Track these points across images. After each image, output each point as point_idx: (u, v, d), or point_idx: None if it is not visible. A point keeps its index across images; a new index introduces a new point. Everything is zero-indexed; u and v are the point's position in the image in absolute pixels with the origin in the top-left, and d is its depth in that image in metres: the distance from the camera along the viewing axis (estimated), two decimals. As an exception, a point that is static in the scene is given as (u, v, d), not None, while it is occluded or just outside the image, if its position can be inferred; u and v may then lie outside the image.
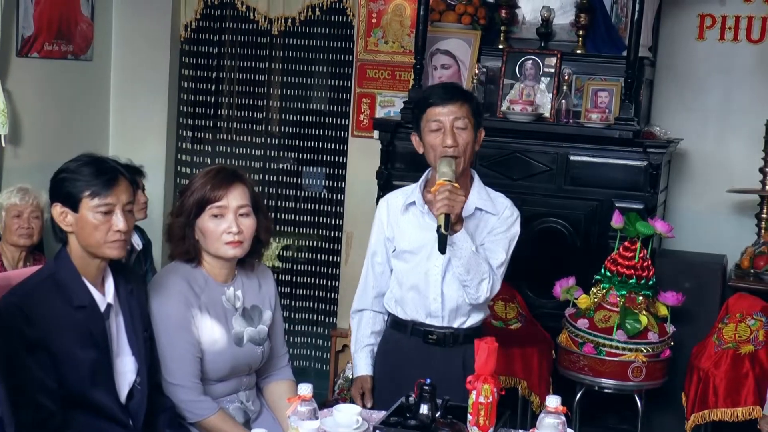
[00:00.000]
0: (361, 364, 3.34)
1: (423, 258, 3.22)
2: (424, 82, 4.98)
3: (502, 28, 5.12)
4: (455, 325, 3.26)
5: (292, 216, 6.15)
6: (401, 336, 3.30)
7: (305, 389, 2.58)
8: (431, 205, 3.07)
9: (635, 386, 4.12)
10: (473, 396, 2.71)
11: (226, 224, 2.94)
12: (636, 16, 4.56)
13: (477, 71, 4.89)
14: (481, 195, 3.26)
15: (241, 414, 3.05)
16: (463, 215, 3.05)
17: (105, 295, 2.75)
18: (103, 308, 2.72)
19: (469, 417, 2.71)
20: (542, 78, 4.89)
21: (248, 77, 6.16)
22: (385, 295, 3.35)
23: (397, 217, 3.28)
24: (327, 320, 6.01)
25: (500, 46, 5.07)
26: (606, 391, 4.20)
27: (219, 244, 2.96)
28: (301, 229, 6.16)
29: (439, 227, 2.96)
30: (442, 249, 2.98)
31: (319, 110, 6.15)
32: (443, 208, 2.95)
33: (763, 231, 5.01)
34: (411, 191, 3.29)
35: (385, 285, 3.35)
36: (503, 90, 4.91)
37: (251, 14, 5.90)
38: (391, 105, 5.58)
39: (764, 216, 5.06)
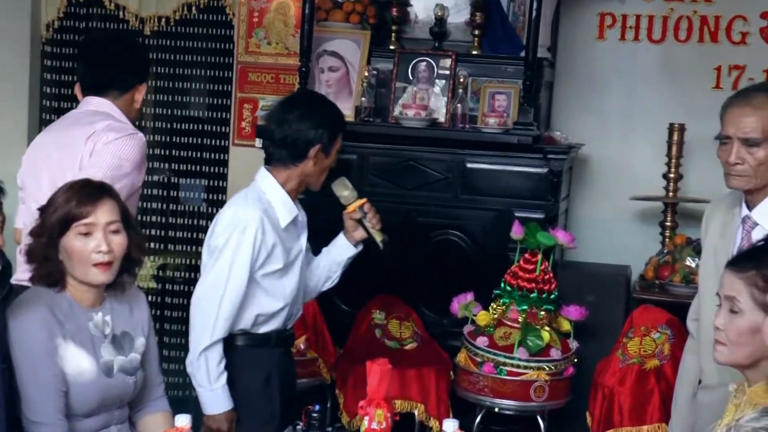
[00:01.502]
0: (226, 396, 3.32)
1: (297, 266, 3.47)
2: (311, 85, 4.99)
3: (394, 27, 5.17)
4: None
5: (169, 232, 6.09)
6: (264, 350, 3.41)
7: (183, 420, 2.56)
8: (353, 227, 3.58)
9: (538, 407, 4.20)
10: (365, 422, 2.73)
11: (94, 243, 2.90)
12: (534, 15, 4.66)
13: (367, 74, 4.92)
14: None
15: (114, 451, 3.02)
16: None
17: (-43, 324, 2.69)
18: (-46, 338, 2.66)
19: (361, 445, 2.73)
20: (437, 80, 4.96)
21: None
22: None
23: (274, 234, 3.37)
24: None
25: (391, 47, 5.13)
26: (507, 412, 4.27)
27: (87, 267, 2.91)
28: (178, 247, 6.10)
29: (383, 240, 3.52)
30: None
31: (197, 117, 6.11)
32: (379, 223, 3.53)
33: (667, 240, 5.14)
34: (271, 203, 3.39)
35: None
36: (395, 94, 4.96)
37: (120, 13, 5.84)
38: (274, 110, 5.58)
39: (668, 224, 5.22)
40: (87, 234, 2.89)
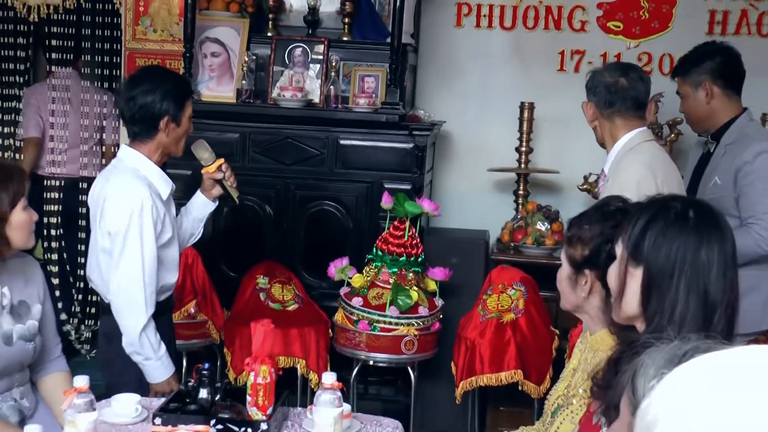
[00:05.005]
0: (169, 359, 3.25)
1: (176, 232, 3.42)
2: (195, 70, 4.93)
3: (271, 15, 5.13)
4: None
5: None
6: (165, 318, 3.39)
7: (81, 381, 2.52)
8: (211, 186, 3.53)
9: (408, 359, 4.26)
10: (251, 377, 2.73)
11: (32, 213, 2.93)
12: (398, 4, 4.69)
13: (247, 59, 4.89)
14: None
15: (16, 413, 2.94)
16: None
17: None
18: None
19: (248, 398, 2.74)
20: (311, 65, 4.95)
21: (7, 67, 5.89)
22: None
23: (162, 206, 3.27)
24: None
25: (269, 34, 5.09)
26: (381, 365, 4.32)
27: (30, 234, 2.93)
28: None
29: (238, 196, 3.56)
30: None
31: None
32: (236, 181, 3.54)
33: (520, 206, 5.26)
34: (147, 177, 3.25)
35: None
36: (273, 77, 4.94)
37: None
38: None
39: (521, 192, 5.33)
40: (26, 207, 2.91)
